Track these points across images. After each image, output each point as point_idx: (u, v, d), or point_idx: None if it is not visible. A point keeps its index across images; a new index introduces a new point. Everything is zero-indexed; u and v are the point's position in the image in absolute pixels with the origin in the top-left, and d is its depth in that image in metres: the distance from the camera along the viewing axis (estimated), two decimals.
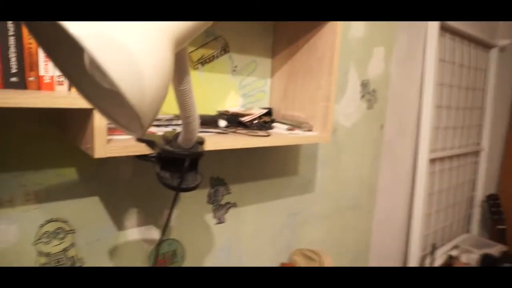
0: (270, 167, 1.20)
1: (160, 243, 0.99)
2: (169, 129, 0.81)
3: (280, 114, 1.11)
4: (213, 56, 1.00)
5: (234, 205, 1.13)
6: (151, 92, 0.32)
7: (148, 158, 0.65)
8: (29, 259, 0.80)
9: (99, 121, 0.61)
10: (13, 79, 0.59)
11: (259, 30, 1.08)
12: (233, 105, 1.07)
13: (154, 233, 0.98)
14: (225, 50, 1.02)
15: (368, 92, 1.51)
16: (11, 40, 0.59)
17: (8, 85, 0.59)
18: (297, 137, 0.91)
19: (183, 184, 0.62)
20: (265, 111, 1.03)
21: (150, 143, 0.66)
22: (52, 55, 0.38)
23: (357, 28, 1.39)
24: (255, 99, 1.12)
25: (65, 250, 0.85)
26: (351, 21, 1.34)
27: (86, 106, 0.60)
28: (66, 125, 0.78)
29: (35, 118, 0.76)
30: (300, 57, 1.03)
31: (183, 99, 0.50)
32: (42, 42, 0.37)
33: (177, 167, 0.62)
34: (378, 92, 1.56)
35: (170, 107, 0.93)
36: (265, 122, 1.02)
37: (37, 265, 0.82)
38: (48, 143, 0.79)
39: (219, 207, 1.10)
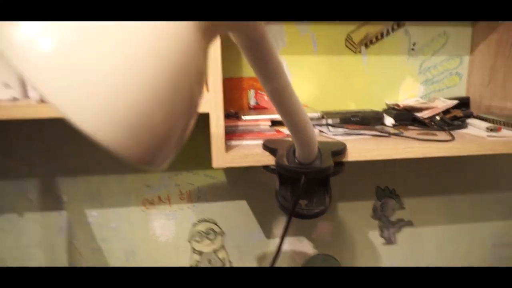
0: (464, 178, 0.88)
1: (313, 258, 0.87)
2: (316, 131, 0.67)
3: (482, 106, 0.79)
4: (381, 33, 0.78)
5: (409, 223, 0.89)
6: (130, 116, 0.20)
7: (270, 170, 0.54)
8: (186, 254, 0.84)
9: (216, 127, 0.54)
10: None
11: None
12: (410, 96, 0.82)
13: (306, 246, 0.87)
14: (398, 23, 0.79)
15: None
16: None
17: None
18: (500, 142, 0.60)
19: (305, 209, 0.48)
20: (455, 102, 0.74)
21: (273, 151, 0.55)
22: None
23: None
24: (443, 85, 0.83)
25: (215, 251, 0.85)
26: None
27: (204, 111, 0.54)
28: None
29: None
30: None
31: (275, 102, 0.36)
32: None
33: (297, 185, 0.49)
34: None
35: (320, 101, 0.79)
36: (455, 117, 0.74)
37: (192, 262, 0.85)
38: (199, 145, 0.79)
39: (388, 224, 0.88)
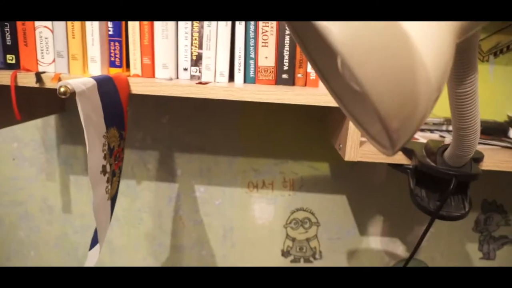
0: None
1: (407, 262, 0.87)
2: (436, 136, 0.67)
3: None
4: None
5: None
6: (410, 101, 0.22)
7: (403, 169, 0.55)
8: (279, 239, 0.88)
9: None
10: (284, 75, 0.63)
11: None
12: None
13: (399, 248, 0.87)
14: None
15: None
16: (287, 39, 0.62)
17: (280, 82, 0.63)
18: None
19: (444, 211, 0.49)
20: None
21: (408, 152, 0.56)
22: (306, 51, 0.35)
23: None
24: None
25: (308, 239, 0.88)
26: None
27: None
28: (325, 122, 0.78)
29: (297, 112, 0.80)
30: None
31: (461, 105, 0.37)
32: (299, 38, 0.34)
33: (438, 187, 0.49)
34: None
35: (441, 107, 0.78)
36: None
37: (285, 247, 0.88)
38: (306, 136, 0.81)
39: (490, 239, 0.85)
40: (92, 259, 0.49)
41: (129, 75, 0.61)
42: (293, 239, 0.88)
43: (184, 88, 0.56)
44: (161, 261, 0.92)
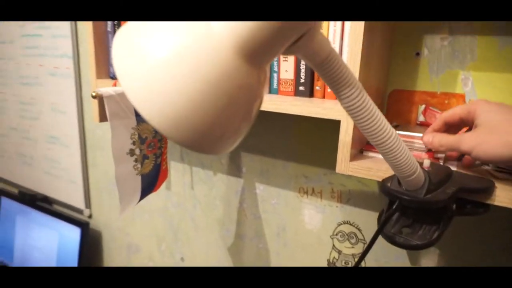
0: None
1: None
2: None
3: None
4: None
5: None
6: (179, 114, 0.29)
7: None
8: (326, 248, 0.89)
9: (345, 135, 0.57)
10: (301, 88, 0.67)
11: None
12: None
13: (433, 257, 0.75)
14: None
15: None
16: None
17: (298, 93, 0.68)
18: None
19: (401, 236, 0.45)
20: None
21: None
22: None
23: None
24: None
25: (354, 255, 0.86)
26: None
27: (335, 117, 0.57)
28: None
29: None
30: None
31: (355, 121, 0.37)
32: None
33: (405, 211, 0.46)
34: None
35: None
36: None
37: (331, 257, 0.89)
38: None
39: None
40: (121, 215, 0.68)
41: None
42: (339, 252, 0.87)
43: None
44: (227, 245, 1.06)
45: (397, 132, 0.66)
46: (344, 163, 0.57)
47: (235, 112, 0.31)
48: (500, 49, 0.62)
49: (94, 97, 0.57)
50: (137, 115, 0.64)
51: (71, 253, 1.35)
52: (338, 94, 0.35)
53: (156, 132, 0.70)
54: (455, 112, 0.53)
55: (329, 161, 0.84)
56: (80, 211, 1.40)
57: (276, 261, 0.98)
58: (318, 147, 0.85)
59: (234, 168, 1.00)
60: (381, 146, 0.38)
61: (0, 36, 1.43)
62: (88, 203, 1.38)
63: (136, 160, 0.66)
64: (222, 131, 0.31)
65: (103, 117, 0.85)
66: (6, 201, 1.54)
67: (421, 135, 0.62)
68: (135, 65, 0.29)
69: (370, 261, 0.83)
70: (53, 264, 1.41)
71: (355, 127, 0.56)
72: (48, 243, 1.41)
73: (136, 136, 0.64)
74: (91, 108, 1.25)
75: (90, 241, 1.39)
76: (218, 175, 1.03)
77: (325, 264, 0.90)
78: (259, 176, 0.96)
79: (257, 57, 0.30)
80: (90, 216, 1.40)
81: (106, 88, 0.59)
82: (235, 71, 0.29)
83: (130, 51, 0.30)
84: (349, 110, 0.36)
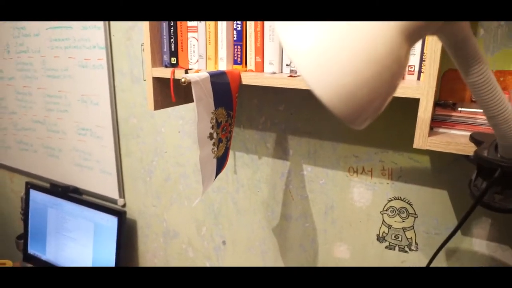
0: None
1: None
2: None
3: None
4: None
5: None
6: (347, 88, 0.32)
7: (468, 160, 0.56)
8: (375, 224, 0.93)
9: (424, 112, 0.60)
10: None
11: None
12: None
13: (509, 258, 0.80)
14: None
15: None
16: None
17: None
18: None
19: (495, 202, 0.49)
20: None
21: (479, 144, 0.56)
22: None
23: None
24: None
25: (404, 229, 0.90)
26: None
27: (415, 96, 0.61)
28: None
29: (397, 103, 0.84)
30: None
31: (479, 95, 0.40)
32: None
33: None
34: None
35: None
36: None
37: (380, 232, 0.93)
38: (410, 128, 0.84)
39: None
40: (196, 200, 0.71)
41: (245, 70, 0.80)
42: (389, 226, 0.92)
43: (278, 80, 0.71)
44: (272, 226, 1.10)
45: (459, 109, 0.70)
46: (423, 139, 0.61)
47: (392, 86, 0.34)
48: None
49: (183, 83, 0.59)
50: (215, 100, 0.66)
51: (109, 242, 1.37)
52: (468, 70, 0.38)
53: (228, 116, 0.72)
54: None
55: (381, 140, 0.88)
56: (114, 201, 1.42)
57: (323, 239, 1.02)
58: (370, 127, 0.88)
59: (281, 151, 1.03)
60: (498, 117, 0.41)
61: (24, 29, 1.41)
62: (122, 193, 1.40)
63: (214, 144, 0.68)
64: (379, 104, 0.34)
65: (158, 104, 0.87)
66: (36, 194, 1.55)
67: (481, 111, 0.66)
68: (309, 46, 0.32)
69: (420, 232, 0.88)
70: (89, 255, 1.43)
71: (433, 105, 0.59)
72: (84, 234, 1.43)
73: (214, 121, 0.67)
74: (123, 97, 1.26)
75: (126, 229, 1.41)
76: (263, 158, 1.06)
77: (374, 239, 0.95)
78: (307, 158, 0.99)
79: (414, 34, 0.33)
80: (124, 206, 1.42)
81: (192, 74, 0.61)
82: (397, 46, 0.32)
83: (301, 33, 0.32)
84: (476, 85, 0.39)
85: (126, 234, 1.43)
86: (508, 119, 0.41)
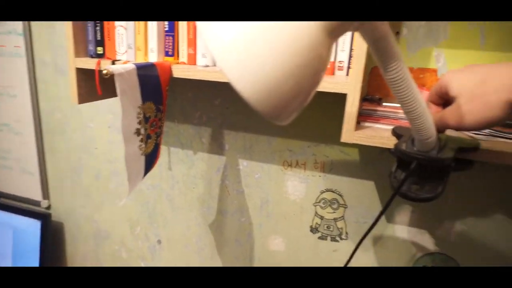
0: None
1: (432, 255, 0.87)
2: None
3: None
4: None
5: None
6: (268, 83, 0.31)
7: (390, 153, 0.59)
8: (309, 215, 0.96)
9: (351, 107, 0.62)
10: None
11: None
12: None
13: (427, 241, 0.87)
14: None
15: None
16: None
17: None
18: None
19: (412, 192, 0.53)
20: None
21: (399, 137, 0.60)
22: None
23: None
24: None
25: (335, 219, 0.94)
26: None
27: (343, 91, 0.63)
28: None
29: (330, 99, 0.87)
30: None
31: (396, 91, 0.42)
32: None
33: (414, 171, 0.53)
34: None
35: None
36: None
37: (313, 223, 0.96)
38: (339, 122, 0.87)
39: None
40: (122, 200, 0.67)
41: (177, 63, 0.77)
42: (322, 217, 0.95)
43: (212, 73, 0.70)
44: (208, 222, 1.09)
45: (384, 103, 0.73)
46: (349, 133, 0.63)
47: (315, 81, 0.34)
48: (469, 28, 0.73)
49: (105, 75, 0.55)
50: (142, 93, 0.63)
51: (31, 249, 1.26)
52: (386, 66, 0.40)
53: (157, 111, 0.69)
54: (431, 92, 0.54)
55: (314, 134, 0.91)
56: (37, 203, 1.30)
57: (259, 232, 1.03)
58: (303, 122, 0.91)
59: (216, 146, 1.01)
60: (412, 112, 0.44)
61: None
62: (46, 194, 1.29)
63: (141, 140, 0.65)
64: (302, 99, 0.34)
65: (82, 98, 0.81)
66: None
67: None
68: (231, 40, 0.31)
69: (350, 222, 0.93)
70: (9, 264, 1.30)
71: (360, 100, 0.62)
72: (1, 242, 1.29)
73: (142, 116, 0.63)
74: (45, 89, 1.16)
75: (51, 233, 1.31)
76: (199, 154, 1.04)
77: (307, 230, 0.97)
78: (243, 153, 0.99)
79: (335, 31, 0.33)
80: (48, 208, 1.31)
81: (116, 65, 0.57)
82: (318, 42, 0.33)
83: (223, 28, 0.31)
84: (393, 81, 0.41)
85: (52, 238, 1.33)
86: (421, 115, 0.44)
